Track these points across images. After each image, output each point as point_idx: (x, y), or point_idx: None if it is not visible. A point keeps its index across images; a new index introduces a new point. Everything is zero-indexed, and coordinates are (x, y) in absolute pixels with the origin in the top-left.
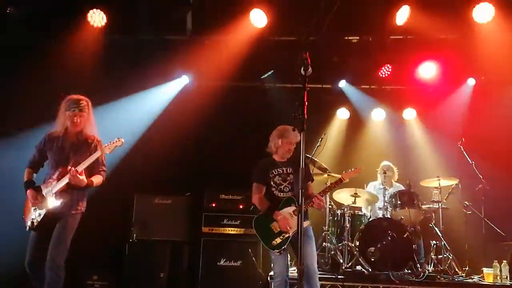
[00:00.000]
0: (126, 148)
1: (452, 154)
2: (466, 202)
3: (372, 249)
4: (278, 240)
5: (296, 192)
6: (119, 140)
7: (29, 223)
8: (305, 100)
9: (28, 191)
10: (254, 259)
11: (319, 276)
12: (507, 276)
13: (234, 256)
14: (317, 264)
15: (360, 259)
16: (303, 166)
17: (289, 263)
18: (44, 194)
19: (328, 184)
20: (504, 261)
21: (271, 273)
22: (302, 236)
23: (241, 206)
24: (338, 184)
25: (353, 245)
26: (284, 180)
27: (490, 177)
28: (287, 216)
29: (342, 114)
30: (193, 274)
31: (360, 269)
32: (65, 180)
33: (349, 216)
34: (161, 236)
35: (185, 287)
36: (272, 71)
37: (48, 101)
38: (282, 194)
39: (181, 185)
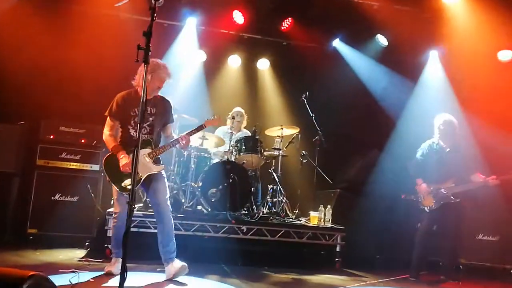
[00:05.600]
0: None
1: (297, 106)
2: (303, 151)
3: (213, 190)
4: (128, 182)
5: (155, 135)
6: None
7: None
8: (151, 31)
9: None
10: (93, 195)
11: None
12: (329, 219)
13: (71, 191)
14: None
15: (201, 200)
16: (144, 101)
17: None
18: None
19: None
20: (328, 205)
21: (110, 209)
22: (135, 174)
23: (83, 141)
24: (199, 130)
25: (196, 186)
26: (145, 121)
27: (326, 130)
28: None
29: (198, 57)
30: (24, 208)
31: (200, 208)
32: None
33: (195, 157)
34: None
35: (13, 220)
36: None
37: None
38: None
39: (16, 112)
